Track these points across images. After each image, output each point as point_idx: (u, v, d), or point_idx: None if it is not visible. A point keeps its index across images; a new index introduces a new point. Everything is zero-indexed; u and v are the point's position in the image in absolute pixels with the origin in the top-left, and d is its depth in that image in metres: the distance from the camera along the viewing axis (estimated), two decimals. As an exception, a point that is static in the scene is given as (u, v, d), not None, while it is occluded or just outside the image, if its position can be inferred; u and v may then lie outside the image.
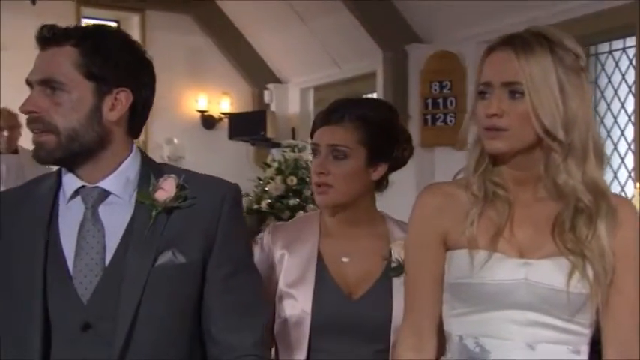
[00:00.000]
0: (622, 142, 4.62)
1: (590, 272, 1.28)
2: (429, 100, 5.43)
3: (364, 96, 6.71)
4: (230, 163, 6.61)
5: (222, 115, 7.42)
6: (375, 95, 6.41)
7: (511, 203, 1.34)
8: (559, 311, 1.30)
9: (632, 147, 4.51)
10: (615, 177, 4.65)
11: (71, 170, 1.36)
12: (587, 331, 1.33)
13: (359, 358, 1.56)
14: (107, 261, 1.31)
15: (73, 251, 1.31)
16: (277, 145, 6.95)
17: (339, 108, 1.65)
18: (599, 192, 1.30)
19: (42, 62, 1.35)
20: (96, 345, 1.28)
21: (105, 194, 1.35)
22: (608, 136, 4.67)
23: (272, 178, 6.18)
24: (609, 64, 4.70)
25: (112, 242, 1.32)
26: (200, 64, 7.26)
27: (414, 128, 5.65)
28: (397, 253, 1.58)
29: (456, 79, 5.35)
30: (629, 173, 4.56)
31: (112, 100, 1.33)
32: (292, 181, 6.13)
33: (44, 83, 1.32)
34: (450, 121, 5.32)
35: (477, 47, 5.31)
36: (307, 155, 6.84)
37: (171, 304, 1.32)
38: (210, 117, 7.45)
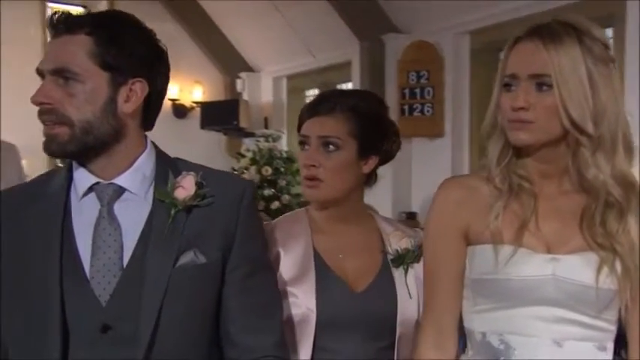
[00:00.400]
0: None
1: (618, 268, 1.27)
2: (407, 90, 5.42)
3: (338, 86, 6.71)
4: (202, 152, 6.50)
5: (194, 104, 7.33)
6: (350, 85, 6.39)
7: (536, 196, 1.31)
8: (586, 307, 1.28)
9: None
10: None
11: (83, 165, 1.31)
12: (613, 328, 1.32)
13: (364, 355, 1.53)
14: (125, 261, 1.27)
15: (89, 251, 1.27)
16: (250, 135, 6.89)
17: (328, 98, 1.61)
18: (629, 185, 1.29)
19: (54, 51, 1.29)
20: (115, 347, 1.24)
21: (120, 191, 1.30)
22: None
23: (246, 168, 6.14)
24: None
25: (130, 241, 1.27)
26: (171, 52, 7.03)
27: (392, 118, 5.66)
28: (395, 244, 1.56)
29: (434, 70, 5.35)
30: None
31: (127, 92, 1.29)
32: (267, 171, 6.09)
33: (57, 73, 1.27)
34: (428, 112, 5.32)
35: (455, 38, 5.34)
36: (282, 145, 6.85)
37: (193, 306, 1.29)
38: (182, 106, 7.35)
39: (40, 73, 1.30)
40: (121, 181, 1.30)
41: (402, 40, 5.55)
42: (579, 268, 1.28)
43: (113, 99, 1.28)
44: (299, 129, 1.63)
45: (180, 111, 7.37)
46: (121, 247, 1.26)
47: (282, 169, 6.35)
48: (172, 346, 1.25)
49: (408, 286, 1.55)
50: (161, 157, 1.35)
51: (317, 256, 1.57)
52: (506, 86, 1.30)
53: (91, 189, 1.30)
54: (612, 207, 1.28)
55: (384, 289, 1.55)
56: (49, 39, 1.33)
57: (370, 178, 1.65)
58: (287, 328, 1.53)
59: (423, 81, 5.38)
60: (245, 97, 7.34)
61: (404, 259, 1.54)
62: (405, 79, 5.43)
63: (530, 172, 1.33)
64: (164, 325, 1.25)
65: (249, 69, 7.42)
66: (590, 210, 1.29)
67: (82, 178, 1.31)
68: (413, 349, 1.48)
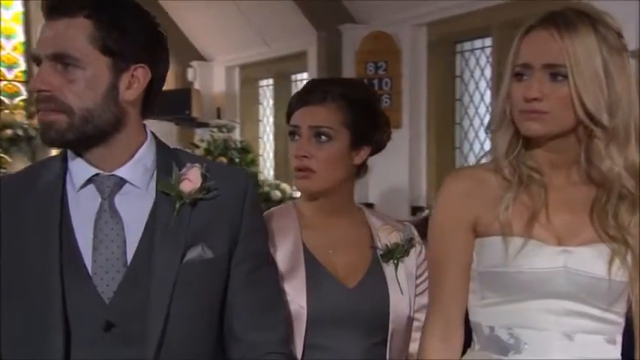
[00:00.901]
0: (481, 131, 4.93)
1: (629, 259, 1.26)
2: (364, 81, 5.42)
3: (293, 77, 6.66)
4: (153, 143, 6.39)
5: (144, 93, 7.14)
6: (305, 75, 6.36)
7: (546, 187, 1.29)
8: (597, 300, 1.27)
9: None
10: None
11: (80, 155, 1.25)
12: (622, 321, 1.31)
13: (355, 352, 1.50)
14: (129, 256, 1.21)
15: (90, 245, 1.21)
16: (204, 125, 6.78)
17: (319, 87, 1.56)
18: None
19: (52, 34, 1.21)
20: (119, 346, 1.19)
21: (121, 183, 1.24)
22: (471, 125, 4.94)
23: (200, 159, 6.03)
24: (472, 61, 4.99)
25: (133, 235, 1.22)
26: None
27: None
28: (384, 239, 1.54)
29: (391, 61, 5.36)
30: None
31: (128, 78, 1.22)
32: (222, 161, 6.01)
33: (56, 58, 1.20)
34: (386, 102, 5.32)
35: (412, 29, 5.36)
36: (236, 135, 6.77)
37: (201, 302, 1.25)
38: (131, 95, 7.16)
39: (35, 57, 1.23)
40: (122, 172, 1.24)
41: (359, 31, 5.54)
42: (591, 260, 1.26)
43: (115, 86, 1.22)
44: (288, 119, 1.58)
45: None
46: (124, 242, 1.21)
47: (237, 160, 6.28)
48: (180, 344, 1.21)
49: (399, 282, 1.52)
50: (161, 147, 1.30)
51: (306, 251, 1.53)
52: (518, 75, 1.27)
53: (89, 181, 1.24)
54: (625, 199, 1.27)
55: (376, 285, 1.53)
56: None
57: (361, 170, 1.62)
58: None
59: (380, 72, 5.39)
60: (196, 86, 7.21)
61: (394, 254, 1.51)
62: (363, 70, 5.43)
63: (540, 162, 1.30)
64: (173, 322, 1.20)
65: (200, 58, 7.29)
66: (601, 202, 1.28)
67: (80, 169, 1.24)
68: (391, 343, 1.47)
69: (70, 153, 1.26)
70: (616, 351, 1.30)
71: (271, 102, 7.04)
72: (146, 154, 1.26)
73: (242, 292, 1.28)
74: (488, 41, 5.06)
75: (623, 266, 1.26)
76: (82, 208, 1.22)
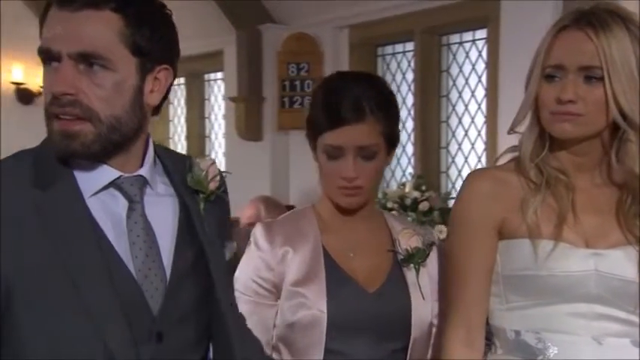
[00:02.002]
0: (472, 128, 4.94)
1: None
2: (287, 82, 5.37)
3: (206, 76, 6.50)
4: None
5: (42, 89, 6.74)
6: (220, 75, 6.23)
7: (573, 189, 1.29)
8: (625, 303, 1.28)
9: (482, 133, 4.84)
10: (466, 161, 4.96)
11: (98, 162, 1.14)
12: None
13: (375, 358, 1.48)
14: (166, 261, 1.13)
15: (129, 253, 1.11)
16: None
17: (351, 101, 1.47)
18: None
19: (73, 29, 1.07)
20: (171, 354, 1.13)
21: (145, 184, 1.16)
22: (460, 123, 4.96)
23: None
24: (460, 55, 4.97)
25: (166, 240, 1.14)
26: (14, 31, 6.52)
27: (269, 111, 5.58)
28: (404, 243, 1.52)
29: (314, 62, 5.35)
30: (479, 159, 4.90)
31: (152, 80, 1.12)
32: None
33: (81, 57, 1.07)
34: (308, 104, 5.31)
35: (334, 31, 5.37)
36: (155, 136, 6.48)
37: (232, 296, 1.28)
38: (28, 91, 6.78)
39: (47, 53, 1.08)
40: (143, 172, 1.16)
41: (280, 31, 5.49)
42: (622, 263, 1.27)
43: (141, 89, 1.11)
44: (315, 133, 1.50)
45: (25, 96, 6.80)
46: (158, 246, 1.13)
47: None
48: (237, 342, 1.21)
49: (421, 287, 1.51)
50: (154, 144, 1.22)
51: (326, 255, 1.50)
52: (549, 77, 1.26)
53: (109, 184, 1.14)
54: None
55: (397, 290, 1.51)
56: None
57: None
58: (292, 333, 1.46)
59: (302, 73, 5.36)
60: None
61: (414, 258, 1.49)
62: (285, 71, 5.38)
63: (565, 164, 1.30)
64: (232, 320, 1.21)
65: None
66: (627, 203, 1.29)
67: (96, 171, 1.13)
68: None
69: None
70: None
71: (182, 102, 6.84)
72: (152, 153, 1.19)
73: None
74: (409, 45, 5.15)
75: None
76: (105, 214, 1.12)
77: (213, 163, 1.21)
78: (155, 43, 1.10)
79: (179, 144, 6.98)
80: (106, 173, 1.13)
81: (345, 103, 1.46)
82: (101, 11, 1.07)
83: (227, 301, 1.18)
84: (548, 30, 1.29)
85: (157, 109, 1.18)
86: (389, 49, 5.33)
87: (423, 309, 1.50)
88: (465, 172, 4.98)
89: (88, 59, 1.07)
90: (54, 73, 1.08)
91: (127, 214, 1.12)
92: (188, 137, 6.73)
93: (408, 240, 1.51)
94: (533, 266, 1.27)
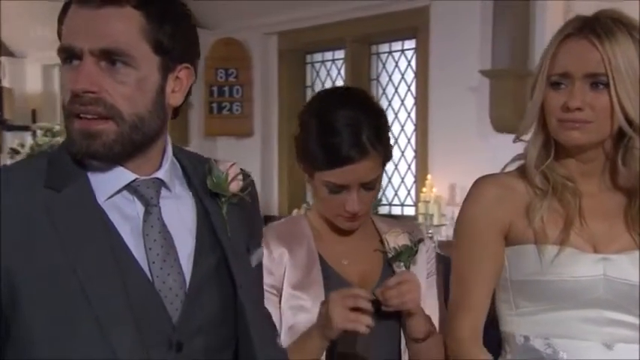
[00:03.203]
0: (402, 136, 5.06)
1: None
2: (215, 88, 5.28)
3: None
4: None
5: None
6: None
7: (580, 195, 1.31)
8: (635, 307, 1.29)
9: (411, 141, 4.97)
10: (396, 169, 5.07)
11: (113, 164, 1.09)
12: None
13: (375, 357, 1.47)
14: (185, 267, 1.08)
15: (145, 259, 1.06)
16: (22, 129, 6.10)
17: (352, 137, 1.43)
18: None
19: (95, 26, 1.02)
20: None
21: (162, 187, 1.10)
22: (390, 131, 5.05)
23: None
24: (390, 64, 5.09)
25: (184, 244, 1.09)
26: None
27: (196, 117, 5.47)
28: (393, 242, 1.55)
29: (242, 68, 5.29)
30: (408, 166, 5.02)
31: (173, 80, 1.08)
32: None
33: (103, 54, 1.02)
34: (237, 110, 5.25)
35: (263, 38, 5.34)
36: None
37: (264, 308, 1.21)
38: None
39: (69, 51, 1.03)
40: (161, 175, 1.11)
41: (207, 36, 5.37)
42: (630, 268, 1.27)
43: (163, 89, 1.07)
44: (312, 169, 1.46)
45: None
46: (176, 252, 1.08)
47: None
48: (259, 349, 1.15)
49: None
50: (173, 145, 1.18)
51: (322, 260, 1.49)
52: (554, 84, 1.27)
53: (124, 187, 1.09)
54: None
55: None
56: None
57: None
58: (295, 332, 1.44)
59: (231, 79, 5.30)
60: (5, 84, 6.48)
61: (402, 256, 1.50)
62: (214, 77, 5.29)
63: (571, 171, 1.32)
64: (259, 329, 1.14)
65: (9, 54, 6.57)
66: (634, 208, 1.31)
67: (112, 173, 1.08)
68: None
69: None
70: None
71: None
72: (171, 155, 1.14)
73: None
74: (339, 53, 5.20)
75: None
76: (121, 218, 1.07)
77: (234, 164, 1.16)
78: (177, 42, 1.07)
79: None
80: (122, 176, 1.08)
81: (346, 142, 1.42)
82: (123, 8, 1.04)
83: (253, 311, 1.14)
84: (552, 38, 1.29)
85: (177, 111, 1.15)
86: (318, 56, 5.37)
87: None
88: (396, 180, 5.09)
89: (110, 56, 1.03)
90: (75, 71, 1.03)
91: (143, 217, 1.08)
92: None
93: (395, 239, 1.51)
94: (542, 271, 1.27)
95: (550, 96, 1.27)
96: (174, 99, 1.09)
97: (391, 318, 1.46)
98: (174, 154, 1.14)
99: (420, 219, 4.39)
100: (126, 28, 1.03)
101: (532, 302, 1.30)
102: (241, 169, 1.20)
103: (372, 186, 1.46)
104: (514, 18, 4.11)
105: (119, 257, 1.04)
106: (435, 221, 4.34)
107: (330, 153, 1.42)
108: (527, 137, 1.36)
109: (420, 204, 4.54)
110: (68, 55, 1.03)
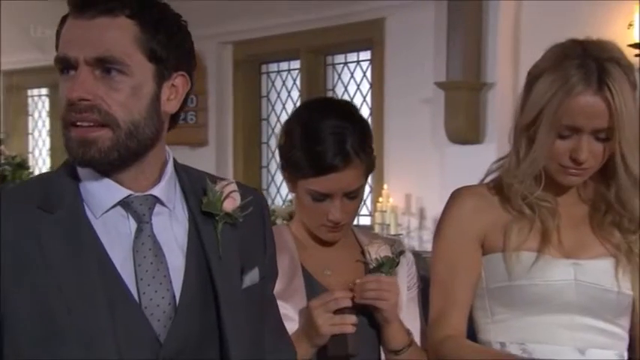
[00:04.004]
0: None
1: (636, 272, 1.34)
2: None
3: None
4: None
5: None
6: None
7: (557, 212, 1.36)
8: (606, 313, 1.34)
9: (367, 151, 4.99)
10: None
11: (107, 175, 1.09)
12: (627, 336, 1.39)
13: None
14: (176, 284, 1.08)
15: (133, 276, 1.06)
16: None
17: (338, 144, 1.44)
18: None
19: (90, 35, 1.04)
20: None
21: (156, 204, 1.10)
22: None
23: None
24: (345, 75, 5.11)
25: (175, 262, 1.09)
26: None
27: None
28: (374, 254, 1.55)
29: (197, 77, 5.11)
30: (364, 175, 5.05)
31: (169, 88, 1.10)
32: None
33: (98, 63, 1.04)
34: (191, 120, 5.20)
35: (218, 47, 5.30)
36: (10, 150, 6.01)
37: (259, 328, 1.18)
38: None
39: (65, 61, 1.05)
40: (156, 192, 1.11)
41: (161, 45, 5.32)
42: (601, 273, 1.32)
43: (158, 96, 1.08)
44: (295, 177, 1.46)
45: None
46: (167, 269, 1.08)
47: (9, 175, 5.63)
48: None
49: None
50: (175, 161, 1.18)
51: (304, 271, 1.49)
52: (563, 136, 1.30)
53: (118, 202, 1.09)
54: (625, 216, 1.36)
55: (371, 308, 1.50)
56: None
57: None
58: None
59: (186, 88, 5.23)
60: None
61: (384, 267, 1.51)
62: (167, 85, 5.22)
63: (548, 190, 1.36)
64: (249, 351, 1.13)
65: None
66: (606, 217, 1.36)
67: (107, 189, 1.09)
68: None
69: (86, 172, 1.08)
70: None
71: (44, 113, 6.42)
72: (172, 170, 1.15)
73: (266, 315, 1.22)
74: (294, 64, 5.20)
75: (630, 279, 1.34)
76: (112, 234, 1.08)
77: (231, 183, 1.16)
78: (171, 50, 1.09)
79: (40, 159, 6.54)
80: (116, 192, 1.09)
81: (330, 150, 1.43)
82: (117, 18, 1.06)
83: (234, 331, 1.12)
84: (552, 88, 1.29)
85: (175, 119, 1.16)
86: (274, 66, 5.36)
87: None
88: (351, 189, 5.10)
89: (105, 65, 1.05)
90: (70, 80, 1.06)
91: (135, 234, 1.08)
92: (52, 151, 6.30)
93: (377, 250, 1.51)
94: (515, 277, 1.31)
95: (557, 144, 1.30)
96: (170, 106, 1.10)
97: (371, 328, 1.47)
98: (176, 170, 1.15)
99: (377, 229, 4.40)
100: (120, 37, 1.05)
101: (507, 308, 1.34)
102: (251, 188, 1.23)
103: (355, 195, 1.46)
104: (467, 32, 4.18)
105: (106, 275, 1.05)
106: (392, 231, 4.36)
107: (314, 160, 1.42)
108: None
109: (376, 214, 4.56)
110: (64, 65, 1.05)
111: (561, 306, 1.32)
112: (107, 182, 1.08)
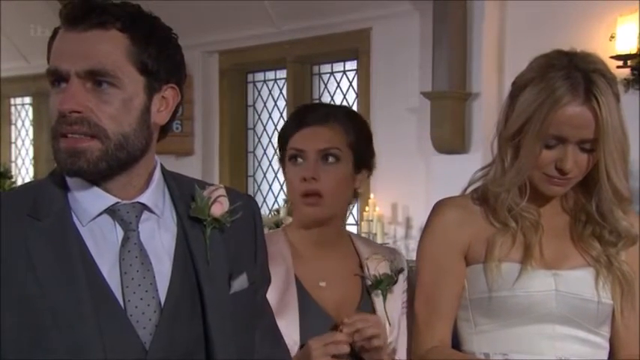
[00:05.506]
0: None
1: (616, 282, 1.36)
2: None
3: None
4: None
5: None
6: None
7: (540, 225, 1.37)
8: (587, 322, 1.35)
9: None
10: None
11: (96, 183, 1.10)
12: (608, 345, 1.41)
13: None
14: (162, 291, 1.08)
15: (118, 283, 1.07)
16: None
17: (318, 109, 1.52)
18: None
19: (81, 48, 1.05)
20: None
21: (143, 211, 1.11)
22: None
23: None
24: (332, 84, 5.12)
25: (162, 269, 1.09)
26: None
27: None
28: (373, 269, 1.54)
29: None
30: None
31: (159, 99, 1.11)
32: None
33: (89, 75, 1.05)
34: (177, 129, 5.17)
35: (203, 56, 5.29)
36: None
37: (249, 334, 1.18)
38: None
39: (56, 74, 1.06)
40: (144, 199, 1.12)
41: (146, 54, 5.30)
42: (580, 283, 1.34)
43: (148, 108, 1.10)
44: (284, 143, 1.50)
45: None
46: (154, 276, 1.09)
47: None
48: None
49: (387, 314, 1.51)
50: (163, 168, 1.19)
51: (298, 284, 1.48)
52: (549, 146, 1.31)
53: (105, 210, 1.10)
54: (606, 227, 1.37)
55: None
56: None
57: (356, 196, 1.58)
58: None
59: (171, 97, 5.22)
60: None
61: (382, 284, 1.50)
62: (153, 94, 5.21)
63: (531, 201, 1.37)
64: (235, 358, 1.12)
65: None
66: (587, 228, 1.38)
67: (94, 197, 1.10)
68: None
69: (75, 181, 1.09)
70: None
71: (27, 122, 6.37)
72: (160, 177, 1.15)
73: (259, 322, 1.22)
74: (281, 73, 5.20)
75: (610, 288, 1.36)
76: (100, 242, 1.09)
77: (219, 188, 1.17)
78: (161, 63, 1.10)
79: (23, 168, 6.48)
80: (103, 200, 1.10)
81: (311, 111, 1.51)
82: (108, 31, 1.07)
83: (220, 337, 1.12)
84: (539, 98, 1.30)
85: (165, 130, 1.17)
86: (260, 75, 5.36)
87: (390, 336, 1.50)
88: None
89: (96, 77, 1.06)
90: (61, 92, 1.07)
91: (121, 241, 1.09)
92: (35, 161, 6.26)
93: (376, 265, 1.51)
94: (497, 288, 1.33)
95: (543, 154, 1.31)
96: (160, 118, 1.12)
97: None
98: (164, 176, 1.16)
99: (363, 238, 4.40)
100: (111, 50, 1.06)
101: (490, 319, 1.36)
102: (242, 193, 1.24)
103: (330, 154, 1.47)
104: (452, 43, 4.21)
105: (91, 283, 1.05)
106: (379, 240, 4.36)
107: (296, 118, 1.50)
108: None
109: (362, 223, 4.55)
110: (56, 77, 1.06)
111: (542, 316, 1.34)
112: (95, 190, 1.09)
